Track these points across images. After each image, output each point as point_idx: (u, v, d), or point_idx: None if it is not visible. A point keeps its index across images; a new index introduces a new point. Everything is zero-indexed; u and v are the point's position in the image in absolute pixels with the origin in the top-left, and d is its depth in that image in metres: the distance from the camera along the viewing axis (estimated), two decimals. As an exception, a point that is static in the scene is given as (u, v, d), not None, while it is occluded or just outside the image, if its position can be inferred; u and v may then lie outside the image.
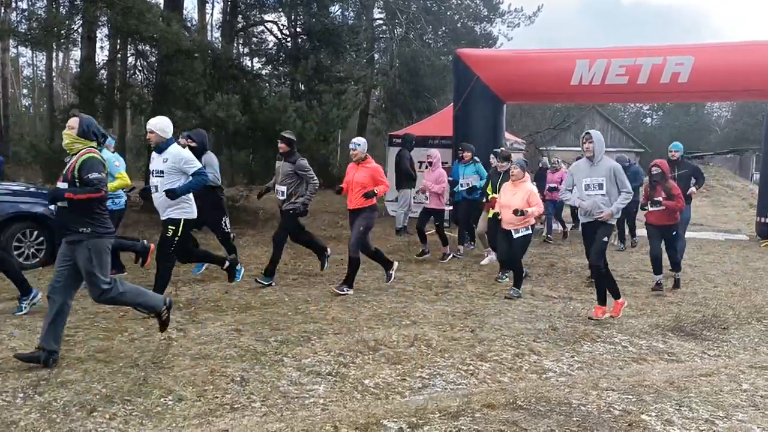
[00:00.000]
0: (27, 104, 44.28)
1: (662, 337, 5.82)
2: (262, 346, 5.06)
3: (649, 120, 63.18)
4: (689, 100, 28.71)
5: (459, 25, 24.69)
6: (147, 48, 15.58)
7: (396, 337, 5.43)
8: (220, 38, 21.35)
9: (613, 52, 12.50)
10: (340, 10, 22.04)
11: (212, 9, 30.23)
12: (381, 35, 26.18)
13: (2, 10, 20.79)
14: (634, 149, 42.63)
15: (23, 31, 13.81)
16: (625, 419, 3.82)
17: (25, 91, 45.11)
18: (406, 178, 12.41)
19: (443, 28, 24.64)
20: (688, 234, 10.32)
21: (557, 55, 12.90)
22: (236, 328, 5.64)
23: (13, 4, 21.45)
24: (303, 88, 15.17)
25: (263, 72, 18.40)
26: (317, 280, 8.09)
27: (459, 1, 25.28)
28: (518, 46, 28.36)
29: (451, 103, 15.04)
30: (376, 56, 26.38)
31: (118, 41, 18.50)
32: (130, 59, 19.51)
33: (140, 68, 17.63)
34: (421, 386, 4.37)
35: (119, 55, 20.24)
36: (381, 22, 26.15)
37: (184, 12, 19.03)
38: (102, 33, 17.86)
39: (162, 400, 3.91)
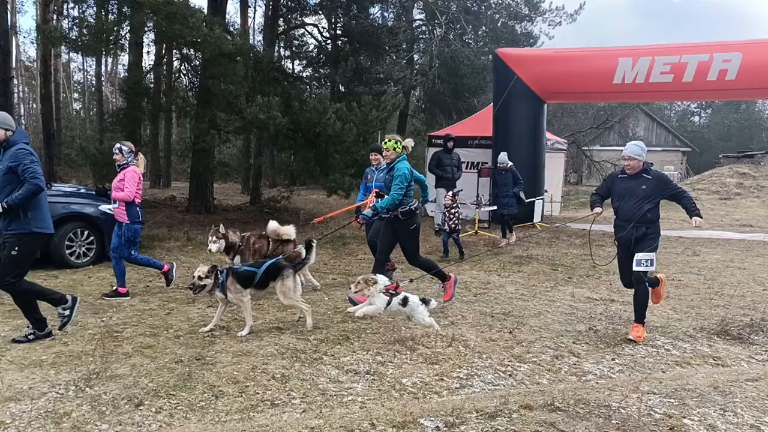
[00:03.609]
0: (78, 108, 45.76)
1: (707, 341, 5.69)
2: (302, 344, 5.14)
3: (696, 118, 61.55)
4: (738, 97, 27.89)
5: (499, 24, 24.52)
6: (191, 52, 15.95)
7: (434, 337, 5.45)
8: (261, 41, 21.71)
9: (657, 50, 12.25)
10: (380, 11, 22.19)
11: (254, 13, 30.83)
12: (421, 36, 26.19)
13: (54, 18, 21.59)
14: (680, 148, 41.61)
15: (74, 37, 14.32)
16: (667, 423, 3.76)
17: (75, 95, 46.67)
18: (437, 178, 12.55)
19: (483, 28, 24.51)
20: (738, 235, 10.01)
21: (599, 54, 12.71)
22: (277, 326, 5.76)
23: (65, 12, 22.26)
24: (343, 89, 15.31)
25: (304, 74, 18.64)
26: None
27: (499, 1, 25.11)
28: (560, 45, 27.96)
29: (491, 103, 14.98)
30: (416, 57, 26.41)
31: (164, 46, 18.99)
32: (175, 63, 20.01)
33: (184, 72, 18.06)
34: (459, 386, 4.38)
35: (164, 60, 20.79)
36: (421, 22, 26.17)
37: (227, 16, 19.43)
38: (148, 38, 18.40)
39: (205, 395, 4.02)
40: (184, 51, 16.23)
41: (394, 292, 5.30)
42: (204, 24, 11.88)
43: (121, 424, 3.60)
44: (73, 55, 35.28)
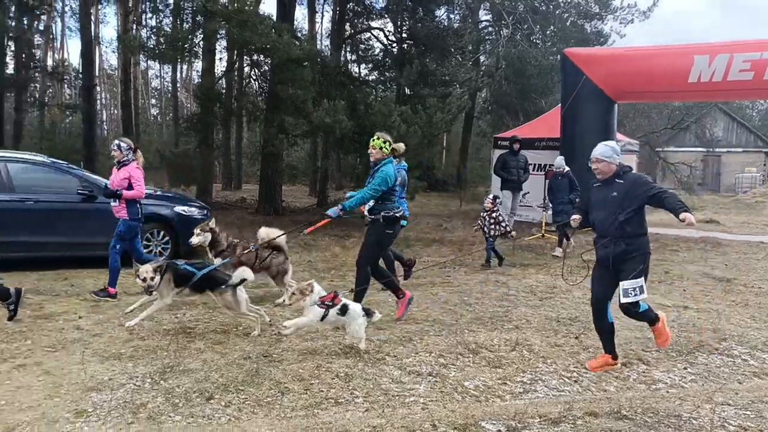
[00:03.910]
0: (155, 113, 47.76)
1: (789, 352, 5.40)
2: (365, 345, 5.21)
3: (782, 117, 58.07)
4: (828, 94, 26.22)
5: (568, 23, 23.95)
6: (260, 58, 16.42)
7: (497, 341, 5.41)
8: (329, 46, 22.08)
9: (735, 46, 11.69)
10: (446, 13, 22.14)
11: (321, 18, 31.36)
12: (487, 37, 25.94)
13: (134, 28, 22.67)
14: (763, 149, 39.45)
15: (152, 46, 15.02)
16: (742, 436, 3.62)
17: (153, 101, 48.72)
18: (502, 180, 12.46)
19: (551, 28, 24.01)
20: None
21: (672, 52, 12.26)
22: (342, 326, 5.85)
23: (143, 22, 23.32)
24: (408, 92, 15.39)
25: (369, 78, 18.84)
26: (419, 282, 8.19)
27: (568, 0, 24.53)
28: (632, 43, 27.04)
29: (559, 104, 14.70)
30: (482, 58, 26.16)
31: (235, 53, 19.61)
32: (246, 69, 20.64)
33: (254, 78, 18.61)
34: (522, 391, 4.34)
35: (236, 66, 21.47)
36: (487, 23, 25.93)
37: (295, 23, 19.89)
38: (221, 45, 19.05)
39: (272, 391, 4.15)
40: (254, 57, 16.72)
41: (330, 303, 4.92)
42: (273, 31, 12.22)
43: (193, 416, 3.76)
44: (150, 62, 36.83)
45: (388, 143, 5.91)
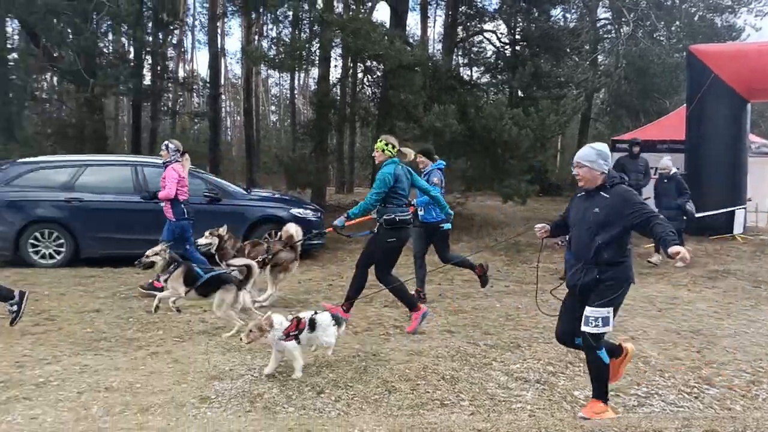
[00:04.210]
0: (274, 120, 49.99)
1: None
2: (472, 349, 5.21)
3: None
4: None
5: (696, 18, 22.50)
6: (373, 65, 16.77)
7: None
8: (440, 50, 22.16)
9: None
10: (562, 13, 21.53)
11: (434, 23, 31.52)
12: (605, 36, 24.94)
13: (256, 39, 23.93)
14: None
15: (272, 56, 15.79)
16: None
17: (272, 107, 51.01)
18: None
19: (677, 23, 22.66)
20: None
21: (817, 45, 11.20)
22: (448, 329, 5.88)
23: (264, 33, 24.56)
24: (521, 94, 15.12)
25: (481, 81, 18.69)
26: (529, 288, 8.03)
27: (696, -8, 23.03)
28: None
29: (684, 104, 13.89)
30: (600, 58, 25.17)
31: (349, 60, 20.16)
32: (359, 75, 21.16)
33: (367, 84, 19.02)
34: (636, 404, 4.17)
35: (350, 73, 22.07)
36: (606, 21, 24.93)
37: (408, 28, 20.14)
38: (335, 53, 19.63)
39: (379, 389, 4.26)
40: (368, 64, 17.11)
41: (296, 332, 4.49)
42: (385, 38, 12.46)
43: (305, 408, 3.94)
44: (270, 71, 38.58)
45: (390, 145, 5.85)
